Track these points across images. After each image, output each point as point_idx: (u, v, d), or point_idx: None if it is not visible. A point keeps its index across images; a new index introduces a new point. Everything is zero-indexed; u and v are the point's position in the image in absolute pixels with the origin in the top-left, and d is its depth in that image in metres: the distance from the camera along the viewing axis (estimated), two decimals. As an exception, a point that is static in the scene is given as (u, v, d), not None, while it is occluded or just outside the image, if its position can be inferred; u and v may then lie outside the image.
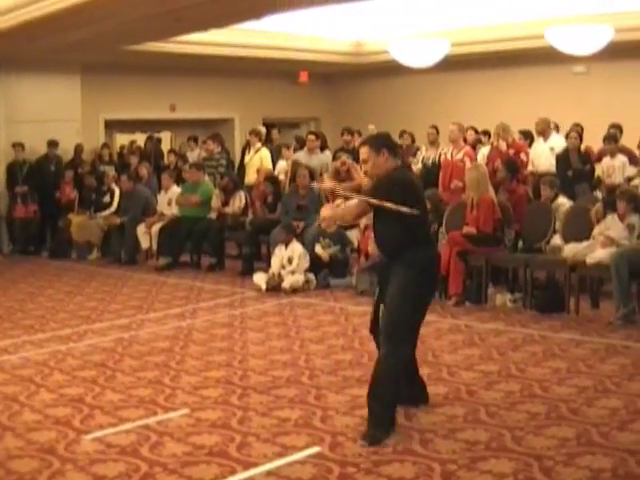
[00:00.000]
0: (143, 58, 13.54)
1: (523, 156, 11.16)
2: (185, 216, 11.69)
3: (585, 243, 8.14)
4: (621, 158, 10.65)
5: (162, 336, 7.56)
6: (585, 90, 14.16)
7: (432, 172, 10.91)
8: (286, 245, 9.83)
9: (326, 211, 5.40)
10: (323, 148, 12.50)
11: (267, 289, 9.54)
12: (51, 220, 13.60)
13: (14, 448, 4.77)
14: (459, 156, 10.47)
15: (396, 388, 4.83)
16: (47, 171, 13.56)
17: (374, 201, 4.84)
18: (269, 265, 10.00)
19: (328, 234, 9.97)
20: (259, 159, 13.07)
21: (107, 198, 12.86)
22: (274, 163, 13.17)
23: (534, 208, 9.29)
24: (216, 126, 16.36)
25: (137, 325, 8.06)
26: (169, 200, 12.04)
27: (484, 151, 11.56)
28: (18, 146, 13.29)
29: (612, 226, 8.02)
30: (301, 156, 12.24)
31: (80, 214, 12.96)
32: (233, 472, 4.36)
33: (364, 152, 5.04)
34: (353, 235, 10.10)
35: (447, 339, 7.24)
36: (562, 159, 10.99)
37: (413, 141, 13.33)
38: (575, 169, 10.84)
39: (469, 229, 8.80)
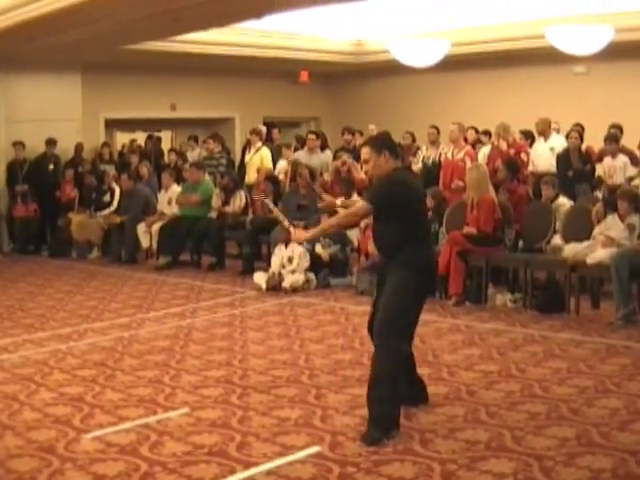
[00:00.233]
0: (143, 57, 13.54)
1: (524, 156, 11.17)
2: (185, 215, 11.69)
3: (585, 243, 8.14)
4: (622, 158, 10.63)
5: (162, 335, 7.55)
6: (585, 90, 14.15)
7: (432, 172, 10.92)
8: (286, 244, 9.83)
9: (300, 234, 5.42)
10: (323, 148, 12.50)
11: (267, 288, 9.54)
12: (51, 219, 13.60)
13: (14, 447, 4.77)
14: (460, 156, 10.48)
15: (394, 387, 4.80)
16: (46, 170, 13.55)
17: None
18: (269, 264, 10.00)
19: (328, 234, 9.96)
20: (259, 158, 13.07)
21: (107, 197, 12.87)
22: (274, 162, 13.17)
23: (534, 208, 9.29)
24: (216, 125, 16.36)
25: (137, 324, 8.06)
26: (169, 199, 12.04)
27: (485, 151, 11.56)
28: (18, 145, 13.30)
29: (612, 226, 8.01)
30: (301, 155, 12.23)
31: (80, 213, 12.96)
32: (233, 472, 4.36)
33: (365, 152, 5.07)
34: (353, 235, 10.10)
35: (447, 339, 7.24)
36: (563, 159, 10.98)
37: (414, 140, 13.32)
38: (576, 169, 10.83)
39: (469, 229, 8.80)
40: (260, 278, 9.72)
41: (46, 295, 9.68)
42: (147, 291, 9.79)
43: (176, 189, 12.11)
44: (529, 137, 11.96)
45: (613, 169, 10.60)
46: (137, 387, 5.94)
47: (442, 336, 7.34)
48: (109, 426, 5.10)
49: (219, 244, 11.46)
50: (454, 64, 14.38)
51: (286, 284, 9.49)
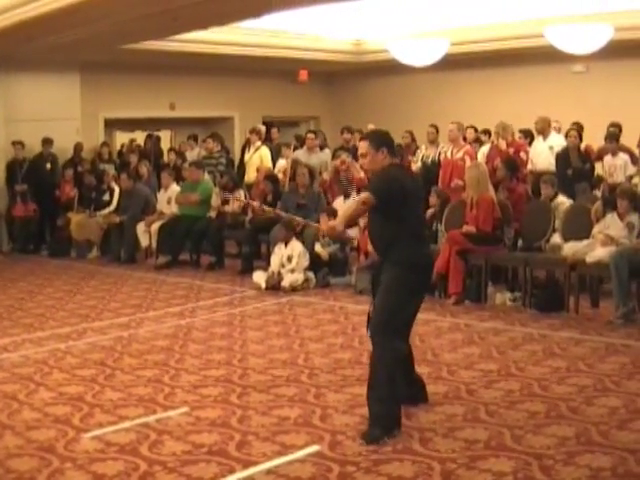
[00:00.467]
0: (143, 57, 13.53)
1: (523, 155, 11.18)
2: (185, 215, 11.68)
3: (585, 242, 8.14)
4: (623, 157, 10.65)
5: (161, 335, 7.55)
6: (584, 89, 14.15)
7: (432, 171, 10.93)
8: (286, 244, 9.83)
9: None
10: (322, 147, 12.52)
11: (267, 288, 9.54)
12: (50, 219, 13.59)
13: (13, 447, 4.77)
14: (459, 155, 10.48)
15: (392, 386, 4.81)
16: (43, 169, 13.53)
17: None
18: (269, 264, 10.00)
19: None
20: (259, 158, 13.08)
21: (107, 197, 12.86)
22: (274, 162, 13.18)
23: (534, 207, 9.29)
24: (216, 125, 16.36)
25: (136, 324, 8.05)
26: (169, 199, 12.04)
27: (484, 150, 11.57)
28: (18, 144, 13.29)
29: (612, 225, 8.02)
30: (301, 155, 12.24)
31: (80, 212, 12.95)
32: (232, 471, 4.36)
33: (364, 147, 5.07)
34: (353, 234, 10.09)
35: (447, 338, 7.24)
36: (562, 158, 10.98)
37: (413, 140, 13.33)
38: (575, 168, 10.84)
39: (469, 228, 8.80)
40: (259, 277, 9.72)
41: (45, 295, 9.68)
42: (146, 290, 9.79)
43: (175, 188, 12.10)
44: (528, 136, 11.96)
45: (614, 167, 10.62)
46: (137, 386, 5.94)
47: (442, 335, 7.34)
48: (109, 425, 5.10)
49: (218, 243, 11.45)
50: (453, 63, 14.37)
51: (285, 283, 9.49)
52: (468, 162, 10.10)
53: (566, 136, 11.30)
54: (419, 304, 5.08)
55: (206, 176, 12.25)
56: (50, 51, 12.21)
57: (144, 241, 11.97)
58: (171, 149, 14.82)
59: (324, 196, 11.08)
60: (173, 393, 5.77)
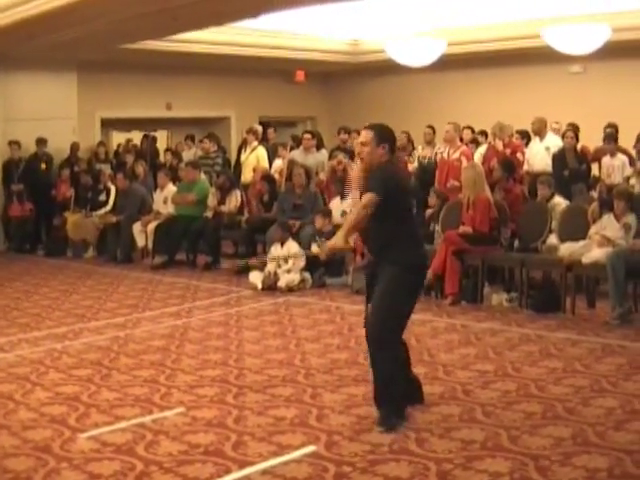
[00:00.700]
0: (139, 56, 13.53)
1: (519, 155, 11.18)
2: (181, 215, 11.68)
3: (581, 243, 8.14)
4: (621, 158, 10.66)
5: (158, 335, 7.54)
6: (582, 90, 14.17)
7: (428, 171, 10.93)
8: (282, 244, 9.83)
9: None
10: (319, 147, 12.50)
11: (263, 288, 9.53)
12: (47, 218, 13.58)
13: (9, 447, 4.76)
14: (455, 155, 10.48)
15: (396, 384, 4.92)
16: (38, 169, 13.51)
17: None
18: (265, 264, 9.99)
19: (324, 233, 9.96)
20: (255, 158, 13.07)
21: (103, 196, 12.84)
22: (270, 162, 13.17)
23: (530, 207, 9.30)
24: (212, 125, 16.35)
25: (133, 324, 8.04)
26: (165, 199, 12.03)
27: (481, 150, 11.56)
28: (14, 144, 13.28)
29: (608, 226, 8.02)
30: (297, 155, 12.23)
31: (76, 212, 12.94)
32: (228, 471, 4.36)
33: (366, 136, 5.03)
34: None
35: (443, 338, 7.23)
36: (558, 159, 10.98)
37: (409, 140, 13.33)
38: (571, 169, 10.83)
39: (465, 228, 8.80)
40: (256, 277, 9.71)
41: (42, 294, 9.66)
42: (143, 290, 9.78)
43: (172, 188, 12.09)
44: (525, 137, 11.96)
45: (612, 168, 10.63)
46: (133, 386, 5.93)
47: (438, 335, 7.33)
48: (105, 425, 5.08)
49: (215, 243, 11.45)
50: (450, 64, 14.38)
51: (282, 283, 9.48)
52: (464, 163, 10.11)
53: (563, 137, 11.30)
54: (414, 304, 5.11)
55: (202, 176, 12.24)
56: (48, 50, 12.22)
57: (140, 241, 11.95)
58: (167, 149, 14.83)
59: (321, 196, 11.07)
60: (169, 393, 5.76)
